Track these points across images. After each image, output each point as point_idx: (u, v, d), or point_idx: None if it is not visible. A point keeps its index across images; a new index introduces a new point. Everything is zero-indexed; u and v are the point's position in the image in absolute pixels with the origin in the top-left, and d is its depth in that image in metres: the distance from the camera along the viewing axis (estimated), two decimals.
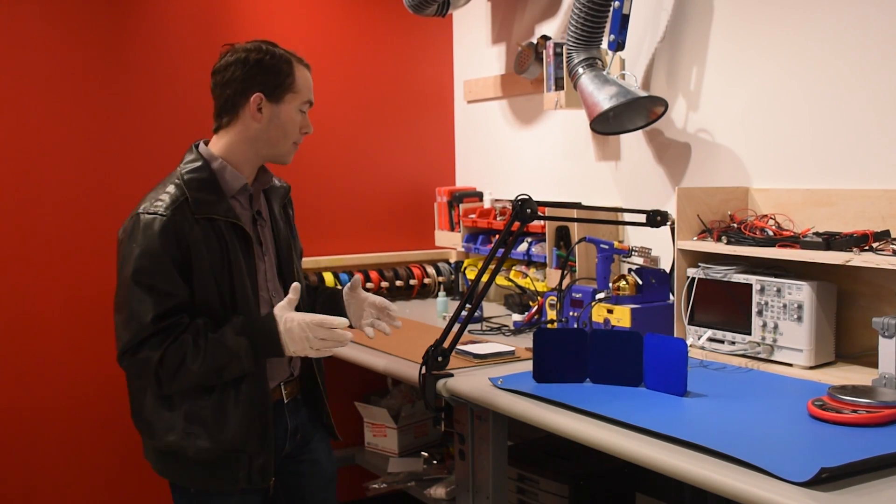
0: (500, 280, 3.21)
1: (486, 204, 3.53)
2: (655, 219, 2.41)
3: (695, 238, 2.40)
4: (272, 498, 2.07)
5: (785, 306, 2.15)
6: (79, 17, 3.07)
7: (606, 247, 2.62)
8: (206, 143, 2.02)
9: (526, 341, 2.61)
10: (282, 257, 2.10)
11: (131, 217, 1.92)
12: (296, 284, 1.93)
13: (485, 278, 2.18)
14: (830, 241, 2.08)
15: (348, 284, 2.20)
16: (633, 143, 2.97)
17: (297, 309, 1.94)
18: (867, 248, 2.06)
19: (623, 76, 2.77)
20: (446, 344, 2.13)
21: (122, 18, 3.16)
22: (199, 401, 1.90)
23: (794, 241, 2.17)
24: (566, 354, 2.08)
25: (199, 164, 1.96)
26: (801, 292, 2.12)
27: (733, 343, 2.27)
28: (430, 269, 3.64)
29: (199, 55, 3.30)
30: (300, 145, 2.07)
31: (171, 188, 1.91)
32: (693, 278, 2.36)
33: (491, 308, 3.31)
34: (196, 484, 1.98)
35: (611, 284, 2.57)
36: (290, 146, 2.03)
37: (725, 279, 2.29)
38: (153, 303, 1.85)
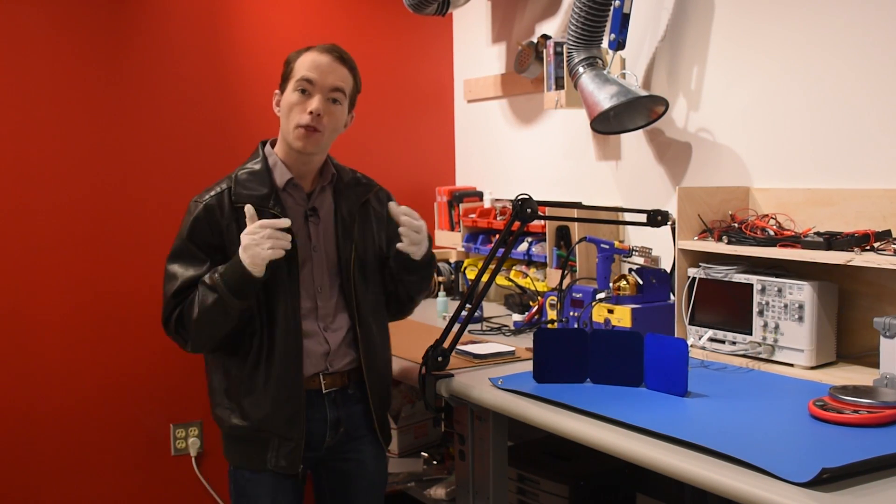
0: (501, 280, 3.20)
1: (486, 203, 3.52)
2: (656, 218, 2.40)
3: (695, 238, 2.39)
4: (317, 489, 2.15)
5: (786, 306, 2.14)
6: (80, 17, 3.07)
7: (607, 246, 2.61)
8: (273, 144, 2.13)
9: (526, 341, 2.60)
10: (341, 256, 2.10)
11: None
12: (248, 207, 1.96)
13: (485, 278, 2.18)
14: (831, 240, 2.07)
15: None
16: (634, 142, 2.96)
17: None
18: (868, 247, 2.05)
19: (623, 75, 2.77)
20: (446, 344, 2.13)
21: (123, 18, 3.15)
22: (235, 378, 2.02)
23: (795, 240, 2.16)
24: (566, 354, 2.08)
25: (257, 159, 2.09)
26: (802, 292, 2.11)
27: (734, 343, 2.26)
28: None
29: (200, 55, 3.30)
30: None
31: (222, 181, 2.06)
32: (694, 278, 2.35)
33: (491, 308, 3.30)
34: (232, 459, 2.10)
35: (611, 284, 2.56)
36: (294, 131, 2.02)
37: (726, 279, 2.28)
38: (178, 280, 2.00)
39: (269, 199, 2.02)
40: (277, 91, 2.09)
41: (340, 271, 2.10)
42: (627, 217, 2.70)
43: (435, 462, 3.27)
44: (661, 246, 2.72)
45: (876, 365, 1.97)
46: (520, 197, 2.13)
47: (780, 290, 2.16)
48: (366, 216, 2.17)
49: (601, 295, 2.53)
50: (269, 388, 2.00)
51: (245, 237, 1.92)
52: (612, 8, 2.62)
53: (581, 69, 2.69)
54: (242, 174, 2.05)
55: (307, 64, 2.03)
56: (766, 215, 2.38)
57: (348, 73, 2.07)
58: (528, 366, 2.15)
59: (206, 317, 1.95)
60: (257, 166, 2.06)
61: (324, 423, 2.09)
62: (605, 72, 2.67)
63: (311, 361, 2.06)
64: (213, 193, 2.03)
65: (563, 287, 2.71)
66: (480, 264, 2.72)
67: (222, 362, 2.05)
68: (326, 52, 2.04)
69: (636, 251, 2.66)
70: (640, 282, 2.51)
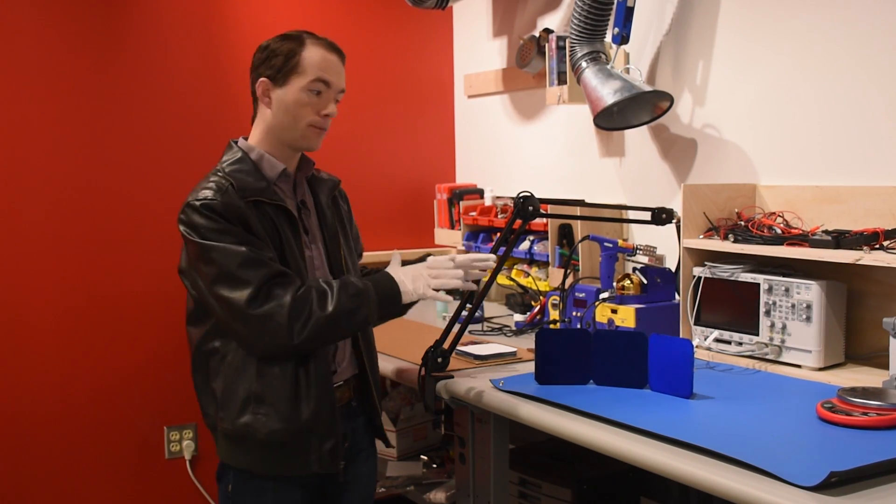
0: (502, 279, 3.19)
1: (487, 201, 3.50)
2: (661, 216, 2.38)
3: (701, 236, 2.37)
4: (313, 498, 2.07)
5: (793, 306, 2.12)
6: (72, 14, 3.04)
7: (610, 245, 2.58)
8: (246, 139, 2.04)
9: (528, 342, 2.57)
10: (330, 248, 2.07)
11: (183, 209, 1.89)
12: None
13: (486, 278, 2.15)
14: (840, 239, 2.05)
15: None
16: (638, 138, 2.93)
17: None
18: (878, 246, 2.03)
19: (627, 70, 2.75)
20: (446, 345, 2.11)
21: (116, 15, 3.13)
22: (272, 381, 1.91)
23: (803, 239, 2.13)
24: (569, 355, 2.05)
25: (239, 156, 1.98)
26: (809, 292, 2.09)
27: (740, 344, 2.24)
28: None
29: (195, 52, 3.28)
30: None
31: (214, 179, 1.91)
32: (699, 277, 2.33)
33: (492, 308, 3.28)
34: (266, 468, 1.97)
35: (615, 284, 2.54)
36: (305, 129, 1.97)
37: (732, 278, 2.25)
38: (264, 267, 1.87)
39: (273, 194, 1.95)
40: (266, 80, 1.97)
41: (332, 265, 2.08)
42: (631, 215, 2.68)
43: (434, 465, 3.26)
44: (666, 244, 2.69)
45: (885, 366, 1.96)
46: (521, 194, 2.11)
47: (787, 290, 2.13)
48: (337, 210, 2.16)
49: (604, 294, 2.51)
50: (312, 387, 1.93)
51: (412, 269, 1.99)
52: (615, 1, 2.61)
53: (584, 64, 2.67)
54: (234, 171, 1.92)
55: (319, 62, 1.95)
56: (774, 213, 2.35)
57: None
58: (530, 367, 2.14)
59: (343, 319, 1.90)
60: (246, 164, 1.96)
61: None
62: (608, 66, 2.66)
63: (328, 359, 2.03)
64: (216, 190, 1.87)
65: (566, 286, 2.69)
66: None
67: (256, 368, 1.93)
68: (334, 52, 2.00)
69: (640, 250, 2.64)
70: (645, 281, 2.49)
